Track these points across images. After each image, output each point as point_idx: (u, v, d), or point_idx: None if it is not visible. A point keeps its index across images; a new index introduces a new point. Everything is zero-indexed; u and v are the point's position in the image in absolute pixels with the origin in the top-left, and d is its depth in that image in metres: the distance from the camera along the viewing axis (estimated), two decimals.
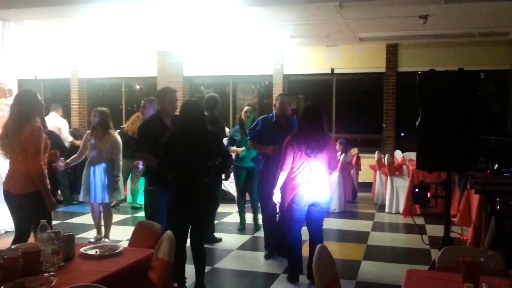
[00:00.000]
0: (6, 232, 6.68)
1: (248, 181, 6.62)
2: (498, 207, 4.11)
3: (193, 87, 12.39)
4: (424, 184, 4.14)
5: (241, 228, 6.89)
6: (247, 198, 6.94)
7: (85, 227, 6.94)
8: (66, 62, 12.60)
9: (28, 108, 4.12)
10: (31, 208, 4.05)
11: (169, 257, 2.70)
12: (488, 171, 3.73)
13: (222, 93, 12.18)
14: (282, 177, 4.61)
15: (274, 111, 5.45)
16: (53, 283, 2.36)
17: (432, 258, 5.43)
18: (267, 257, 5.54)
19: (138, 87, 13.19)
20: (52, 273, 2.56)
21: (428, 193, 4.07)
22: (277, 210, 5.46)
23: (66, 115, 10.96)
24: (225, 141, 7.09)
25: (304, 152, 4.45)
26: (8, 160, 4.27)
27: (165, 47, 11.33)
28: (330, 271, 2.41)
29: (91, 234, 6.46)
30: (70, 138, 9.01)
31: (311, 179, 4.48)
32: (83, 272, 2.65)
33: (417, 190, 4.19)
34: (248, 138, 5.70)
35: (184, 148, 4.02)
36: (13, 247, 2.77)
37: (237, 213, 7.09)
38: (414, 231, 6.39)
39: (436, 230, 6.43)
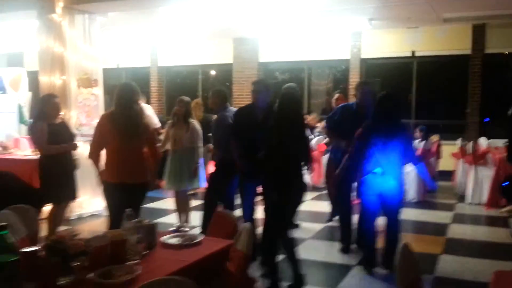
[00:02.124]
0: (92, 215, 7.11)
1: None
2: None
3: (268, 73, 12.41)
4: None
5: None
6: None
7: (163, 212, 7.18)
8: (146, 51, 13.07)
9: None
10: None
11: (247, 249, 2.73)
12: None
13: (297, 79, 12.12)
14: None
15: (355, 100, 5.32)
16: (138, 272, 2.45)
17: None
18: (344, 250, 5.43)
19: (214, 73, 13.40)
20: (137, 261, 2.66)
21: None
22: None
23: (146, 102, 11.37)
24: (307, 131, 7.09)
25: (375, 144, 4.37)
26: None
27: (241, 33, 11.40)
28: (413, 270, 2.32)
29: (170, 219, 6.69)
30: (159, 124, 9.31)
31: (379, 170, 4.40)
32: (164, 261, 2.73)
33: (506, 183, 3.92)
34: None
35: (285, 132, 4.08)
36: (100, 234, 2.90)
37: (311, 201, 7.03)
38: (498, 224, 6.05)
39: None
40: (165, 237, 3.11)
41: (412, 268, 2.32)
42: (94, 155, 4.37)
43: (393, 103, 4.45)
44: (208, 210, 5.34)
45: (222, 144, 5.27)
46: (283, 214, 4.21)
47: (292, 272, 4.27)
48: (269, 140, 4.19)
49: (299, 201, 4.31)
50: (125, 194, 4.28)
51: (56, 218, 5.44)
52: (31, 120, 5.90)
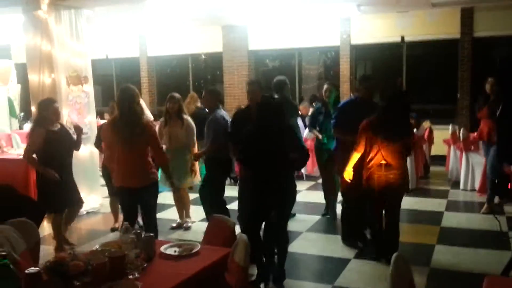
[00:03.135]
0: (88, 212, 7.12)
1: (330, 164, 6.31)
2: None
3: (258, 61, 12.37)
4: (505, 175, 3.94)
5: (325, 212, 6.62)
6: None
7: (162, 207, 7.18)
8: (135, 41, 12.95)
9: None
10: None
11: (244, 262, 2.77)
12: None
13: (288, 66, 12.11)
14: (355, 158, 4.71)
15: (354, 94, 5.38)
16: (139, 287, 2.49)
17: (510, 242, 5.22)
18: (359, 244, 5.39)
19: (203, 61, 13.32)
20: (136, 275, 2.69)
21: (509, 184, 3.87)
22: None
23: None
24: (299, 121, 7.13)
25: (380, 140, 4.49)
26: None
27: (230, 21, 11.31)
28: (405, 281, 2.38)
29: (170, 214, 6.73)
30: (152, 117, 9.25)
31: (383, 164, 4.52)
32: (164, 275, 2.77)
33: (497, 181, 3.99)
34: (333, 124, 5.51)
35: (261, 142, 4.07)
36: (98, 249, 2.93)
37: (305, 191, 7.08)
38: (492, 211, 6.10)
39: None
40: (163, 248, 3.14)
41: (404, 278, 2.37)
42: (108, 162, 4.69)
43: (403, 103, 4.63)
44: (207, 206, 5.56)
45: (214, 144, 5.34)
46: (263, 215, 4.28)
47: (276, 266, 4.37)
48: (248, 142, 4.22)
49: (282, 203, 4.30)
50: (133, 197, 4.49)
51: (59, 227, 5.39)
52: (27, 122, 5.81)
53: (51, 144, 5.01)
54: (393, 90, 5.20)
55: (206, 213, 5.67)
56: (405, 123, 4.71)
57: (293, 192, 4.33)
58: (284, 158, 4.06)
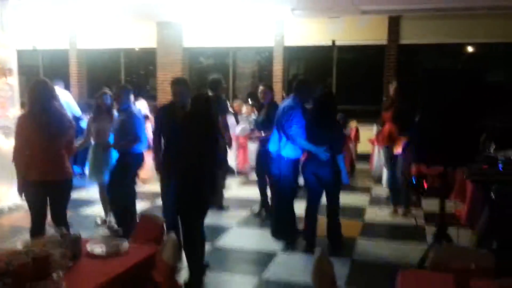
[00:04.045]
0: (10, 208, 6.83)
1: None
2: (492, 195, 4.22)
3: (193, 59, 12.33)
4: (421, 175, 4.23)
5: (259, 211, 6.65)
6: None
7: (88, 203, 7.08)
8: (65, 33, 12.49)
9: None
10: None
11: (173, 261, 2.81)
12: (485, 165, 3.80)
13: (222, 64, 12.16)
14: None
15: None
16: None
17: (427, 236, 5.60)
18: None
19: (136, 56, 13.09)
20: (61, 275, 2.65)
21: (425, 183, 4.16)
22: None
23: (66, 86, 10.92)
24: (230, 118, 7.22)
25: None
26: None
27: (165, 17, 11.20)
28: (328, 277, 2.52)
29: (95, 210, 6.61)
30: (80, 111, 9.00)
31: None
32: (90, 274, 2.76)
33: (414, 180, 4.28)
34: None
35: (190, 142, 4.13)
36: (21, 248, 2.86)
37: (237, 187, 7.16)
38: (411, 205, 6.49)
39: (432, 205, 6.41)
40: (90, 245, 3.11)
41: (326, 276, 2.51)
42: (18, 157, 4.26)
43: (331, 107, 5.04)
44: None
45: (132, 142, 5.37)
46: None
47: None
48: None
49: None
50: (48, 191, 4.31)
51: None
52: None
53: None
54: (321, 93, 5.41)
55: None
56: (333, 125, 4.98)
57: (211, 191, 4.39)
58: (205, 157, 4.14)
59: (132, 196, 5.59)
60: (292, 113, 5.21)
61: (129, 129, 5.33)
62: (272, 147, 5.54)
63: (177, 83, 5.06)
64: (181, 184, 4.22)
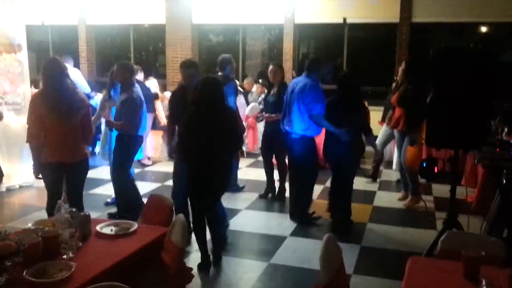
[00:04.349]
0: (20, 186, 6.89)
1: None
2: (504, 180, 4.17)
3: (202, 35, 12.22)
4: (432, 159, 4.19)
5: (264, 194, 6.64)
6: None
7: (99, 182, 7.09)
8: (74, 8, 12.39)
9: None
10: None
11: (181, 243, 2.81)
12: (498, 149, 3.74)
13: (232, 41, 12.05)
14: None
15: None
16: (73, 269, 2.48)
17: (436, 222, 5.58)
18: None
19: (145, 32, 12.99)
20: (71, 255, 2.68)
21: (436, 168, 4.12)
22: None
23: (75, 63, 10.89)
24: (240, 98, 7.16)
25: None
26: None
27: None
28: (335, 263, 2.51)
29: (104, 190, 6.64)
30: (90, 89, 8.96)
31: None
32: (100, 254, 2.77)
33: (424, 164, 4.24)
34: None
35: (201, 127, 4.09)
36: (31, 227, 2.88)
37: (246, 168, 7.16)
38: (421, 191, 6.43)
39: (442, 190, 6.36)
40: (99, 226, 3.12)
41: (334, 260, 2.50)
42: (34, 139, 4.25)
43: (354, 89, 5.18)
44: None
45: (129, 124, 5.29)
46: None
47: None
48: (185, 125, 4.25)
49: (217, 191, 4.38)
50: (64, 172, 4.34)
51: None
52: None
53: None
54: (344, 74, 5.47)
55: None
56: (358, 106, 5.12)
57: (226, 176, 4.40)
58: (221, 142, 4.11)
59: (129, 178, 5.52)
60: (317, 92, 5.22)
61: (124, 112, 5.22)
62: (292, 126, 5.42)
63: (187, 66, 4.99)
64: (196, 169, 4.20)
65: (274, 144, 6.23)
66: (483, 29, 10.48)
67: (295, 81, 5.59)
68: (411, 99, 5.87)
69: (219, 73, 6.15)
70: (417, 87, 5.87)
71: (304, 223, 5.52)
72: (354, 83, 5.19)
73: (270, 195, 6.57)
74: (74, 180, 4.44)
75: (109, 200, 6.20)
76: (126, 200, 5.45)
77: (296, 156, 5.51)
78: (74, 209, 3.04)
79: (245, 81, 10.13)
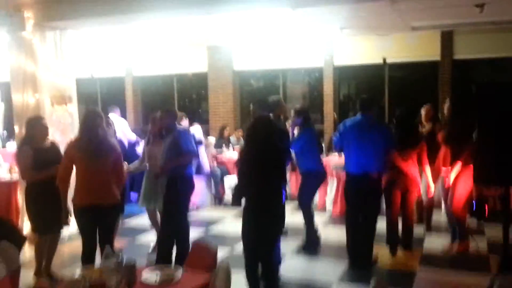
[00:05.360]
0: (70, 235, 7.02)
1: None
2: None
3: (243, 81, 12.47)
4: (482, 198, 4.03)
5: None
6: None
7: (142, 229, 7.17)
8: (121, 61, 12.97)
9: None
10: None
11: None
12: None
13: (272, 86, 12.22)
14: None
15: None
16: None
17: (491, 265, 5.30)
18: None
19: (189, 80, 13.38)
20: None
21: (486, 206, 3.97)
22: None
23: (122, 112, 11.27)
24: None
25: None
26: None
27: (215, 41, 11.43)
28: None
29: (149, 237, 6.71)
30: (135, 136, 9.24)
31: None
32: None
33: (474, 202, 4.08)
34: None
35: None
36: (79, 276, 2.93)
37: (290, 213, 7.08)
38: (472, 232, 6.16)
39: (496, 232, 6.08)
40: (144, 273, 3.15)
41: None
42: (63, 181, 4.51)
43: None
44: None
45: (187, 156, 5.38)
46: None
47: None
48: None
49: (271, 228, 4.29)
50: (96, 216, 4.46)
51: (44, 250, 5.21)
52: (10, 141, 5.65)
53: (40, 163, 4.88)
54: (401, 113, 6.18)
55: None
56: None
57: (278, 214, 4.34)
58: (275, 177, 4.12)
59: (186, 224, 5.53)
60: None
61: (178, 146, 5.30)
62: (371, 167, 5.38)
63: (253, 103, 5.26)
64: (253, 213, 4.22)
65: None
66: None
67: (354, 121, 5.56)
68: (458, 136, 5.74)
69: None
70: (463, 124, 5.74)
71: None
72: (412, 121, 5.90)
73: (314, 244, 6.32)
74: (106, 224, 4.53)
75: (151, 246, 6.20)
76: (184, 247, 5.37)
77: (363, 198, 5.44)
78: (117, 257, 3.08)
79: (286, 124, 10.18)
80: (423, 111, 6.83)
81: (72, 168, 4.49)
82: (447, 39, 10.13)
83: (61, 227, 5.13)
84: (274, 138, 4.23)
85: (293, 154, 6.17)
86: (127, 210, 7.36)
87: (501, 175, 3.75)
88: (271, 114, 6.04)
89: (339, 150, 5.91)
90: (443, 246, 6.04)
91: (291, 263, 5.78)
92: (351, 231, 5.46)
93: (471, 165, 4.79)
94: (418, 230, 6.92)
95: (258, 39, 10.88)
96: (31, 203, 5.03)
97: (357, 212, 5.39)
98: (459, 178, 5.39)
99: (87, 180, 4.41)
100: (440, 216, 7.53)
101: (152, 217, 6.22)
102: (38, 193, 4.93)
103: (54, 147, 5.18)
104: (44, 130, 5.09)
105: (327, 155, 8.94)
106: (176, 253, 5.34)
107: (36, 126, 5.05)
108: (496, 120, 3.79)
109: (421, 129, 6.85)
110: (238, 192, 4.53)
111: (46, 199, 4.85)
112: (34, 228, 5.16)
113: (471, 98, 6.43)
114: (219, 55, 11.93)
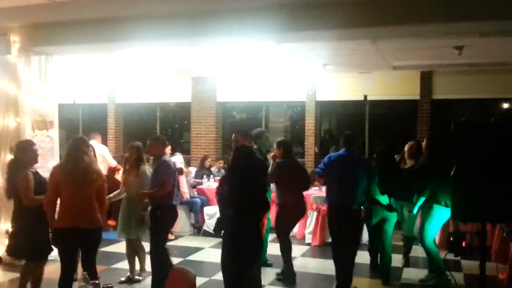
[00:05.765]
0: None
1: None
2: None
3: (226, 112, 12.57)
4: (459, 233, 4.09)
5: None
6: None
7: (119, 257, 7.03)
8: (104, 88, 12.98)
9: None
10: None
11: None
12: None
13: (255, 118, 12.33)
14: None
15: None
16: None
17: None
18: None
19: (172, 110, 13.43)
20: None
21: (463, 242, 4.02)
22: None
23: (103, 139, 11.21)
24: None
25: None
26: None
27: (199, 73, 11.56)
28: None
29: (125, 265, 6.56)
30: (115, 163, 9.25)
31: None
32: None
33: (451, 238, 4.14)
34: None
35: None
36: None
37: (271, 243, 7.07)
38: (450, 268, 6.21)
39: (472, 266, 6.15)
40: None
41: None
42: (50, 205, 4.50)
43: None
44: None
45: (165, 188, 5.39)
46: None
47: None
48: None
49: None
50: (77, 240, 4.47)
51: (27, 276, 5.03)
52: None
53: (38, 186, 4.80)
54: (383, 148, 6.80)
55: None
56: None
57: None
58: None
59: (162, 251, 5.46)
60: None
61: (156, 176, 5.40)
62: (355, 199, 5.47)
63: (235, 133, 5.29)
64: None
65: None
66: (505, 105, 10.57)
67: (339, 155, 5.64)
68: (426, 173, 5.88)
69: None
70: (435, 159, 5.90)
71: None
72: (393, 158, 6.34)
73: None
74: (88, 247, 4.55)
75: (122, 278, 6.06)
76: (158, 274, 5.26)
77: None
78: (98, 282, 3.05)
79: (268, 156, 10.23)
80: (406, 147, 6.96)
81: (58, 192, 4.47)
82: (426, 79, 10.44)
83: (50, 251, 5.02)
84: (253, 169, 4.37)
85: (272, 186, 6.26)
86: (104, 236, 7.32)
87: (478, 211, 3.82)
88: (254, 146, 6.15)
89: (321, 178, 6.25)
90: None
91: None
92: (339, 262, 5.51)
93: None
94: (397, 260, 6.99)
95: (243, 72, 11.05)
96: (25, 227, 4.83)
97: (341, 242, 5.42)
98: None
99: (71, 204, 4.43)
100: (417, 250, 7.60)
101: (129, 247, 6.08)
102: (33, 217, 4.77)
103: (37, 172, 5.12)
104: (35, 154, 5.07)
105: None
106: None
107: (27, 151, 5.01)
108: (473, 157, 3.88)
109: (402, 165, 6.98)
110: (219, 225, 4.58)
111: (40, 224, 4.72)
112: (23, 253, 4.96)
113: (449, 136, 6.56)
114: (203, 86, 12.04)
